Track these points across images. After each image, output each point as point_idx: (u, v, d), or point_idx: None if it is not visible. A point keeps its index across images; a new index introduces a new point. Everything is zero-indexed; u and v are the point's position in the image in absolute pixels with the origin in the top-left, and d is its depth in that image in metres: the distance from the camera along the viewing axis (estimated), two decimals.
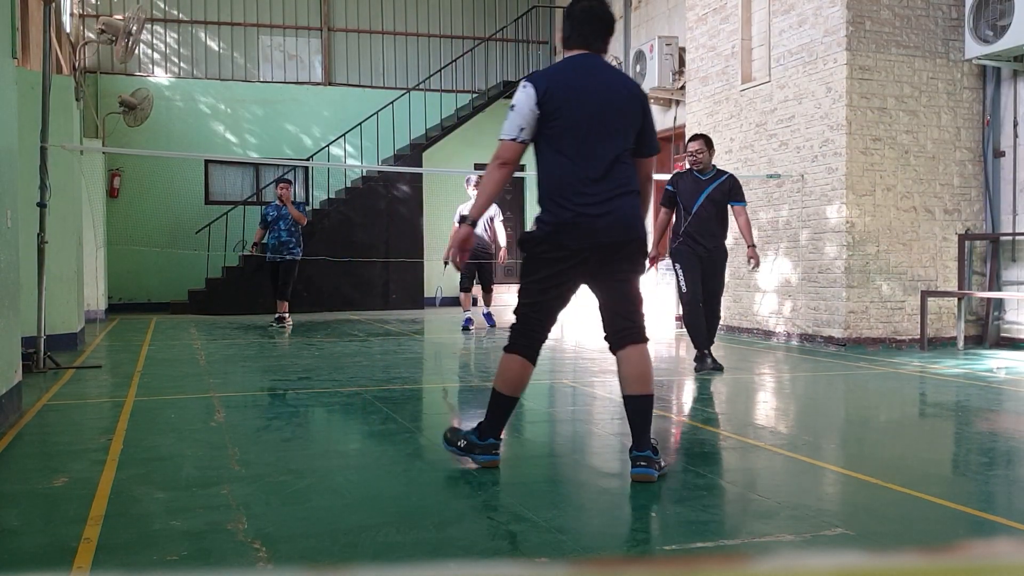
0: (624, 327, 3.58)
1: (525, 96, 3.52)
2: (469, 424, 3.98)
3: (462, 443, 3.72)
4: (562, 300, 3.65)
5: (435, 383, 6.93)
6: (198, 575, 2.45)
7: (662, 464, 3.54)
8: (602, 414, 5.29)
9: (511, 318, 3.81)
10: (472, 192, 10.99)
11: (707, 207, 6.79)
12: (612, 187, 3.51)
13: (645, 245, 3.65)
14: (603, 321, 3.66)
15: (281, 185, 11.36)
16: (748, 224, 7.06)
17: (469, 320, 10.96)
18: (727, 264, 7.05)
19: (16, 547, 2.74)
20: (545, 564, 0.61)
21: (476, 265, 10.87)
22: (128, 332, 10.80)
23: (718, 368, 6.81)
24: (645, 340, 3.62)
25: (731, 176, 7.02)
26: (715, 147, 7.32)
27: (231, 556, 2.63)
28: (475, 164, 16.51)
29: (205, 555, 2.64)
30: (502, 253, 11.24)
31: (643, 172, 3.68)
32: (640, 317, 3.63)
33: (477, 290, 11.76)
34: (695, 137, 7.06)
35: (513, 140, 3.54)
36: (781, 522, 3.00)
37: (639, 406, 3.55)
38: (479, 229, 10.78)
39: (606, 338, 3.65)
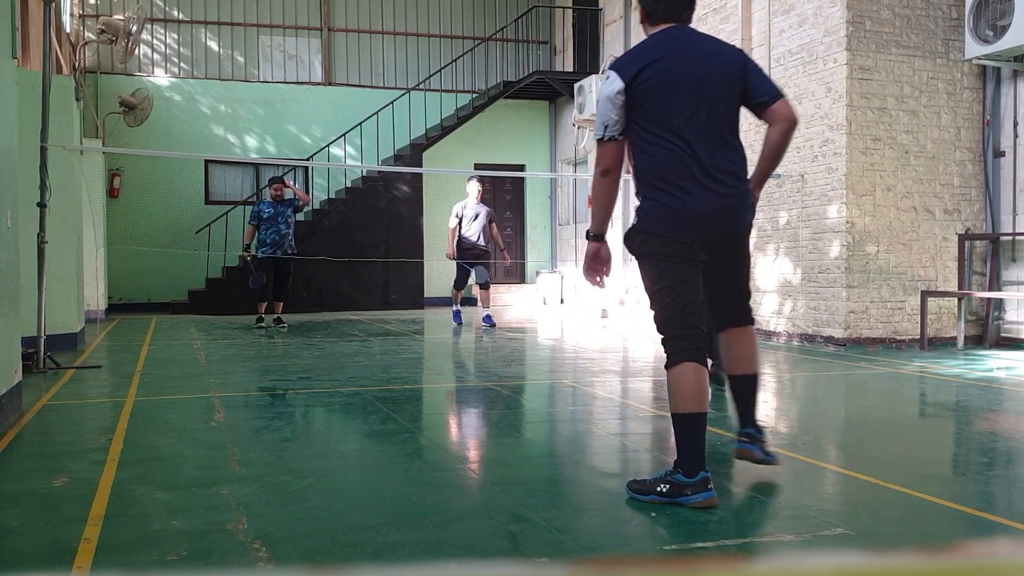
0: (732, 310, 3.50)
1: (609, 89, 3.20)
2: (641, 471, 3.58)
3: (663, 488, 3.14)
4: (698, 288, 3.31)
5: (435, 383, 6.93)
6: (198, 575, 2.45)
7: (768, 449, 3.48)
8: (602, 414, 5.28)
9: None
10: (471, 189, 11.16)
11: None
12: (720, 172, 3.21)
13: (750, 229, 3.43)
14: (711, 306, 3.48)
15: (275, 186, 11.19)
16: None
17: (458, 314, 11.39)
18: None
19: (16, 547, 2.74)
20: (545, 564, 0.61)
21: (472, 266, 11.09)
22: (128, 332, 10.80)
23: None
24: (752, 322, 3.55)
25: None
26: None
27: (231, 556, 2.63)
28: (475, 164, 16.54)
29: (205, 555, 2.64)
30: (505, 256, 11.43)
31: (778, 117, 3.28)
32: (748, 298, 3.54)
33: (474, 290, 11.83)
34: None
35: (601, 139, 3.24)
36: (781, 522, 3.00)
37: (747, 384, 3.52)
38: (474, 232, 10.98)
39: (715, 317, 3.52)
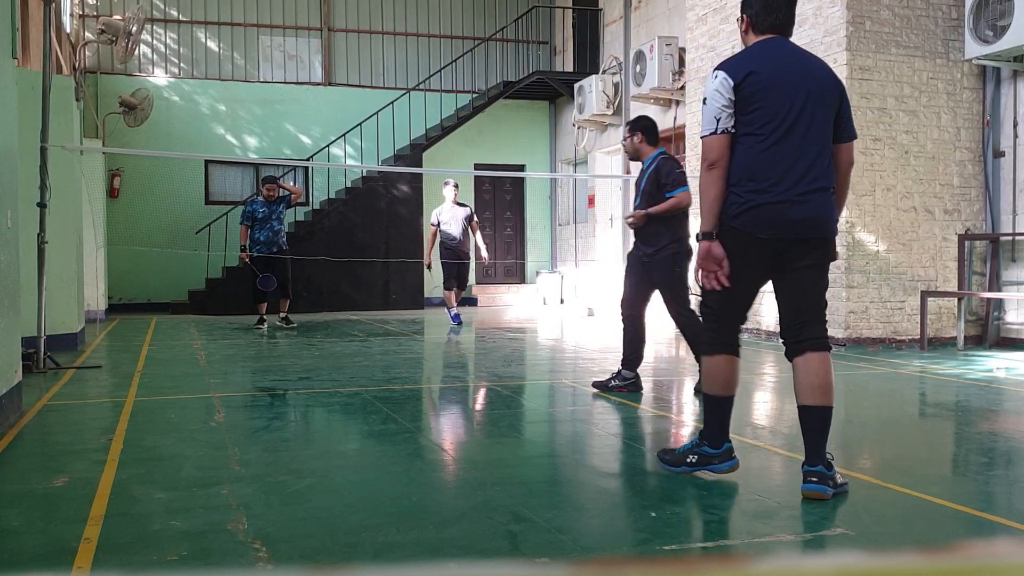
0: (803, 330, 3.37)
1: (719, 85, 3.32)
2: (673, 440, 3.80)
3: (692, 458, 3.51)
4: (752, 292, 3.47)
5: (435, 383, 6.93)
6: (198, 575, 2.45)
7: (838, 480, 3.28)
8: (602, 414, 5.29)
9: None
10: (447, 193, 11.32)
11: (641, 204, 5.73)
12: (812, 180, 3.32)
13: (834, 244, 3.46)
14: (781, 321, 3.47)
15: (269, 187, 11.03)
16: (675, 203, 5.59)
17: (456, 316, 11.43)
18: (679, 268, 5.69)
19: (16, 547, 2.74)
20: (545, 564, 0.61)
21: (455, 266, 11.30)
22: (128, 332, 10.80)
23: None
24: (827, 348, 3.39)
25: (660, 159, 5.75)
26: (657, 131, 6.00)
27: (231, 556, 2.63)
28: (475, 164, 16.54)
29: (205, 555, 2.64)
30: (484, 255, 11.49)
31: (844, 158, 3.50)
32: (822, 320, 3.41)
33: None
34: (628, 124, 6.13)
35: (713, 133, 3.32)
36: (781, 522, 3.00)
37: (817, 417, 3.33)
38: (456, 230, 11.15)
39: (783, 340, 3.46)
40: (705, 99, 3.39)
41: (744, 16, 3.51)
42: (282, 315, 11.26)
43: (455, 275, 11.40)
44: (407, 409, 5.54)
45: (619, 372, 5.89)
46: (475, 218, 11.53)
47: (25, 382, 5.52)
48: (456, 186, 11.48)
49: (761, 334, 9.80)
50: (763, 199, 3.28)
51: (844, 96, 3.49)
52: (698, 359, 5.40)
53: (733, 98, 3.31)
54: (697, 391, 5.55)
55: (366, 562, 2.61)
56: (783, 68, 3.34)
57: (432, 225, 11.36)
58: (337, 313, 14.24)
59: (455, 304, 11.52)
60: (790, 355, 3.42)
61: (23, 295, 5.67)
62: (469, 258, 11.54)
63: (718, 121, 3.32)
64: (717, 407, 3.53)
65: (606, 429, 4.80)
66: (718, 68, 3.39)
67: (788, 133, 3.30)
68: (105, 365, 7.40)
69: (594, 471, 3.91)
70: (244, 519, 2.98)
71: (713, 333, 3.51)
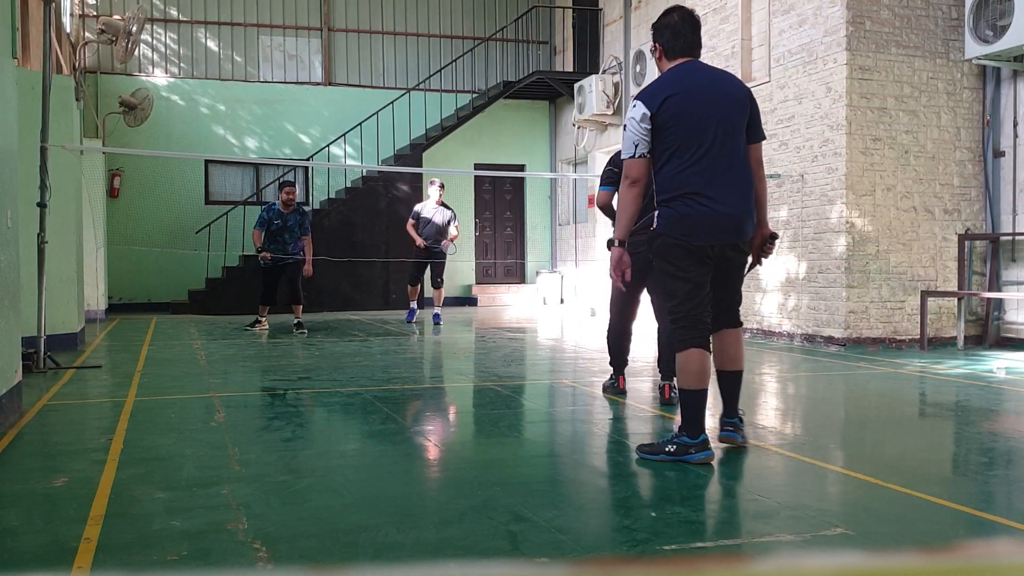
0: (723, 314, 3.95)
1: (636, 114, 3.75)
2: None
3: (671, 448, 3.75)
4: (707, 287, 3.83)
5: (435, 383, 6.93)
6: (198, 575, 2.45)
7: (745, 435, 4.04)
8: (602, 414, 5.29)
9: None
10: (432, 192, 11.57)
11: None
12: (737, 189, 3.76)
13: (750, 243, 3.94)
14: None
15: (288, 189, 10.73)
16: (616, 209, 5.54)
17: (412, 312, 11.85)
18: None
19: (16, 547, 2.74)
20: (545, 564, 0.61)
21: (427, 264, 11.62)
22: (128, 332, 10.80)
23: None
24: (740, 324, 4.06)
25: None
26: None
27: (231, 556, 2.63)
28: (475, 164, 16.54)
29: (205, 555, 2.64)
30: (446, 241, 11.54)
31: (755, 156, 3.90)
32: (737, 304, 4.02)
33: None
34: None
35: (632, 157, 3.77)
36: (781, 522, 3.00)
37: (734, 379, 4.04)
38: (433, 231, 11.40)
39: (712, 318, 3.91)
40: (625, 126, 3.81)
41: (657, 45, 3.96)
42: (296, 320, 10.89)
43: (422, 274, 11.76)
44: (407, 409, 5.54)
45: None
46: (455, 223, 11.61)
47: (25, 382, 5.52)
48: (442, 186, 11.69)
49: (761, 334, 9.80)
50: (690, 212, 3.70)
51: (753, 102, 3.92)
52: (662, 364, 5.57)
53: (649, 126, 3.73)
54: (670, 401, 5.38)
55: (366, 562, 2.61)
56: (695, 89, 3.76)
57: (412, 218, 11.60)
58: (337, 313, 14.24)
59: (415, 300, 11.89)
60: (714, 330, 3.94)
61: (23, 295, 5.67)
62: (444, 257, 11.71)
63: (636, 147, 3.76)
64: (693, 399, 3.76)
65: (606, 429, 4.80)
66: (637, 97, 3.83)
67: (707, 149, 3.71)
68: (105, 365, 7.40)
69: (594, 471, 3.91)
70: (244, 519, 2.98)
71: (684, 329, 3.79)
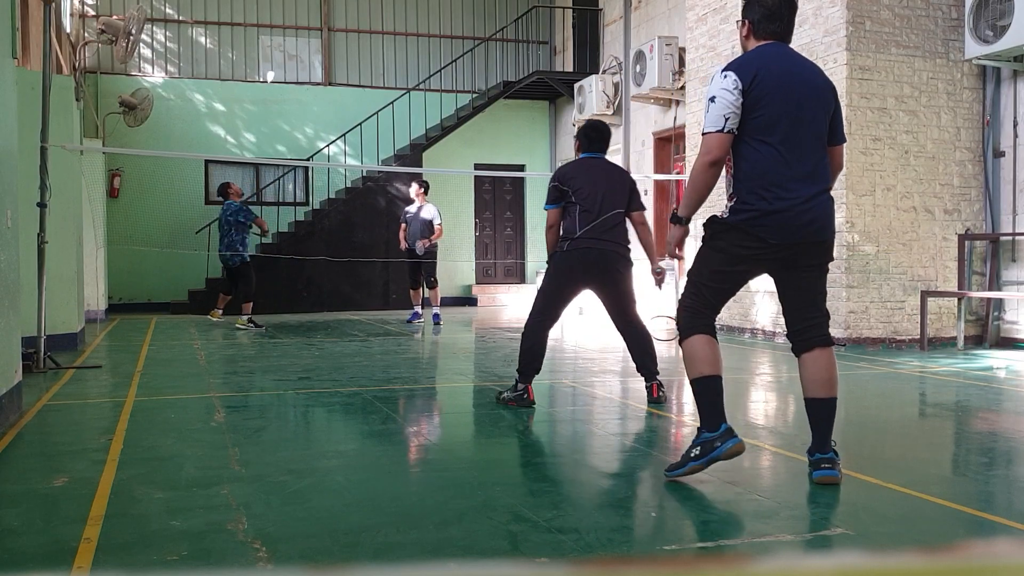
0: (809, 328, 3.52)
1: (729, 84, 3.36)
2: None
3: (695, 452, 3.43)
4: (737, 289, 3.60)
5: (435, 383, 6.93)
6: (198, 575, 2.45)
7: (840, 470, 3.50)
8: (602, 414, 5.28)
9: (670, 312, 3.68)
10: (413, 192, 11.84)
11: None
12: (817, 184, 3.42)
13: (832, 245, 3.58)
14: (787, 320, 3.60)
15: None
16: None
17: (416, 315, 11.95)
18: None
19: (16, 547, 2.74)
20: (545, 564, 0.61)
21: (419, 265, 11.77)
22: (128, 332, 10.80)
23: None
24: (831, 344, 3.55)
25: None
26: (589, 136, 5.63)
27: (231, 556, 2.63)
28: (475, 164, 16.54)
29: (205, 555, 2.64)
30: (428, 241, 11.65)
31: (836, 161, 3.59)
32: (824, 318, 3.55)
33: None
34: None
35: (719, 131, 3.36)
36: (781, 522, 3.00)
37: (824, 409, 3.53)
38: (413, 232, 11.58)
39: (789, 337, 3.59)
40: (714, 97, 3.38)
41: (746, 21, 3.58)
42: (248, 317, 11.50)
43: (418, 276, 11.89)
44: (407, 409, 5.54)
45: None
46: (438, 221, 11.74)
47: (25, 382, 5.52)
48: (421, 184, 11.92)
49: (759, 334, 9.80)
50: (775, 206, 3.35)
51: (838, 101, 3.59)
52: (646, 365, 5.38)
53: (742, 100, 3.35)
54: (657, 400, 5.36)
55: (366, 562, 2.61)
56: (785, 73, 3.41)
57: (402, 223, 11.89)
58: (337, 313, 14.24)
59: (418, 303, 12.00)
60: (797, 351, 3.53)
61: (23, 295, 5.67)
62: (433, 256, 11.87)
63: (726, 120, 3.35)
64: (706, 388, 3.46)
65: (606, 429, 4.80)
66: (727, 69, 3.42)
67: (794, 138, 3.37)
68: (105, 365, 7.40)
69: (594, 471, 3.90)
70: (244, 519, 2.98)
71: (692, 316, 3.51)
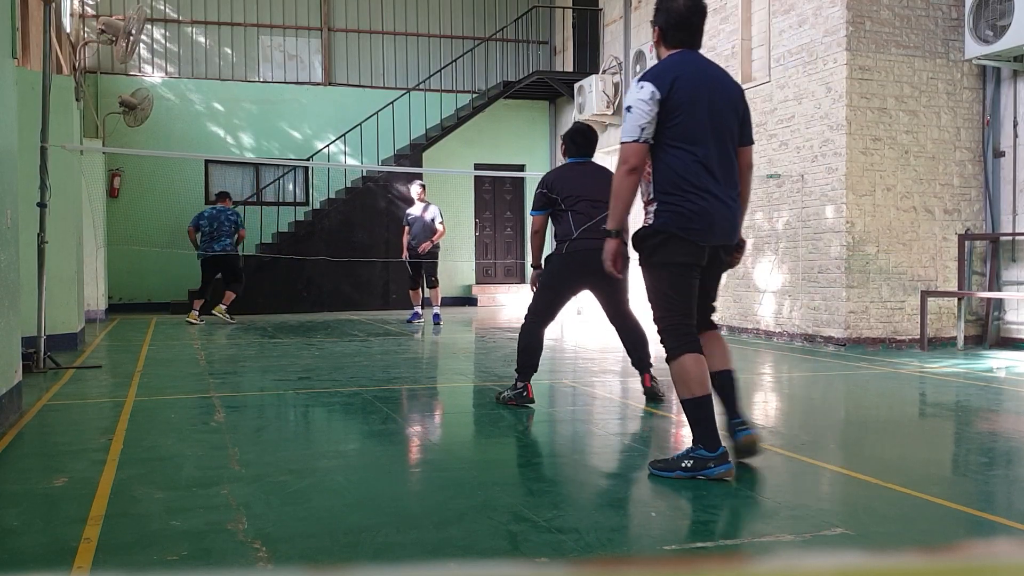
0: (706, 317, 3.78)
1: (644, 95, 3.45)
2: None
3: (687, 463, 3.47)
4: (695, 293, 3.62)
5: (435, 383, 6.93)
6: (198, 575, 2.45)
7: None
8: (602, 414, 5.28)
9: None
10: (414, 193, 11.99)
11: None
12: (731, 187, 3.57)
13: (731, 259, 3.77)
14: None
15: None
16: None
17: (416, 315, 12.05)
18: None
19: (16, 547, 2.74)
20: (545, 564, 0.61)
21: (419, 264, 11.87)
22: (128, 332, 10.80)
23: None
24: (717, 327, 3.88)
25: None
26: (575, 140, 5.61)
27: (231, 556, 2.63)
28: (475, 164, 16.54)
29: (205, 555, 2.64)
30: (432, 241, 11.78)
31: (745, 161, 3.70)
32: (714, 310, 3.86)
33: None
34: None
35: (635, 141, 3.46)
36: (781, 522, 3.00)
37: (732, 378, 3.76)
38: (416, 233, 11.72)
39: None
40: (630, 107, 3.49)
41: (657, 27, 3.67)
42: (226, 307, 12.32)
43: (419, 276, 12.01)
44: (407, 409, 5.54)
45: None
46: (439, 221, 11.86)
47: (25, 382, 5.52)
48: (422, 185, 12.10)
49: (761, 334, 9.80)
50: (695, 207, 3.47)
51: (746, 103, 3.72)
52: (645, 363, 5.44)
53: (658, 110, 3.45)
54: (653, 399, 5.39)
55: (366, 562, 2.61)
56: (700, 81, 3.53)
57: (405, 224, 12.02)
58: (337, 313, 14.24)
59: (418, 303, 12.12)
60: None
61: (23, 295, 5.67)
62: (434, 256, 11.96)
63: (642, 130, 3.45)
64: (700, 408, 3.49)
65: (606, 429, 4.80)
66: (643, 79, 3.51)
67: (710, 143, 3.50)
68: (105, 365, 7.40)
69: (594, 471, 3.90)
70: (244, 519, 2.98)
71: (675, 334, 3.55)
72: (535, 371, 5.37)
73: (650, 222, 3.53)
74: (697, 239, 3.48)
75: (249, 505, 3.16)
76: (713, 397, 3.58)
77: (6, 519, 3.02)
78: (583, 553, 2.69)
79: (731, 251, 3.71)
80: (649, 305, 3.63)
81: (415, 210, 11.93)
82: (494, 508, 3.14)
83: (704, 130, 3.47)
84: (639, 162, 3.48)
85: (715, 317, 3.91)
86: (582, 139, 5.51)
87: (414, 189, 12.08)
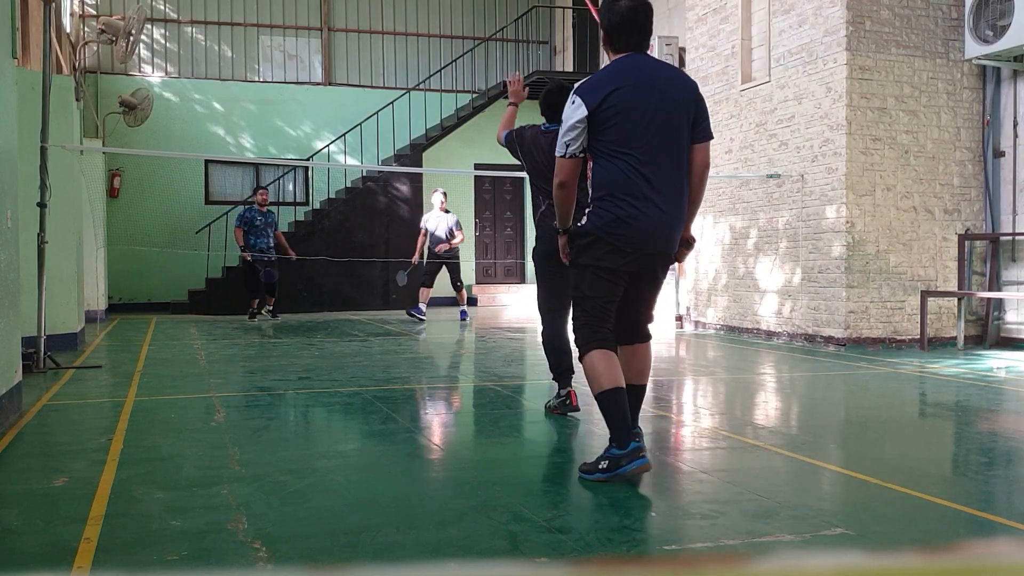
0: (636, 328, 3.74)
1: (571, 111, 3.50)
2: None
3: (604, 463, 3.45)
4: (617, 295, 3.62)
5: (435, 383, 6.93)
6: (198, 575, 2.45)
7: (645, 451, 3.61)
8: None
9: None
10: (435, 200, 12.40)
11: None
12: (670, 195, 3.51)
13: (678, 254, 3.71)
14: (616, 316, 3.68)
15: (263, 192, 12.77)
16: None
17: (420, 310, 12.35)
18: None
19: (16, 547, 2.74)
20: (545, 564, 0.61)
21: (439, 265, 12.27)
22: (128, 332, 10.80)
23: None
24: (649, 338, 3.80)
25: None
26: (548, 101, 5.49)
27: (231, 556, 2.63)
28: (475, 164, 16.53)
29: (205, 555, 2.64)
30: (451, 244, 12.24)
31: (699, 158, 3.60)
32: (651, 319, 3.80)
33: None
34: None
35: (563, 156, 3.55)
36: (781, 522, 3.00)
37: (635, 393, 3.71)
38: (443, 235, 12.18)
39: (617, 331, 3.68)
40: (563, 122, 3.55)
41: (604, 32, 3.66)
42: (269, 308, 12.81)
43: (432, 275, 12.35)
44: (407, 409, 5.54)
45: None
46: (459, 226, 12.42)
47: (25, 382, 5.52)
48: (445, 194, 12.43)
49: (761, 334, 9.80)
50: (627, 212, 3.46)
51: (699, 100, 3.63)
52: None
53: (586, 124, 3.48)
54: (547, 409, 5.12)
55: (366, 562, 2.61)
56: (638, 87, 3.48)
57: (422, 228, 12.38)
58: (337, 313, 14.24)
59: (425, 301, 12.44)
60: (620, 343, 3.70)
61: (23, 295, 5.67)
62: (456, 258, 12.37)
63: (568, 146, 3.52)
64: (610, 402, 3.48)
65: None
66: (575, 92, 3.55)
67: (648, 151, 3.47)
68: (105, 365, 7.40)
69: None
70: (244, 519, 2.98)
71: (585, 331, 3.58)
72: (571, 372, 5.02)
73: (580, 223, 3.59)
74: (623, 244, 3.48)
75: (249, 505, 3.16)
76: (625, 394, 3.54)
77: (6, 519, 3.02)
78: (583, 553, 2.69)
79: (669, 257, 3.64)
80: (574, 299, 3.70)
81: (435, 217, 12.22)
82: (494, 508, 3.14)
83: (641, 137, 3.45)
84: (567, 176, 3.55)
85: (652, 327, 3.82)
86: (558, 99, 5.01)
87: (436, 197, 12.31)
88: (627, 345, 3.71)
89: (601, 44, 3.74)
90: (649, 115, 3.46)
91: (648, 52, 3.68)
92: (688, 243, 3.71)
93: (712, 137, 3.70)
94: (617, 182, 3.47)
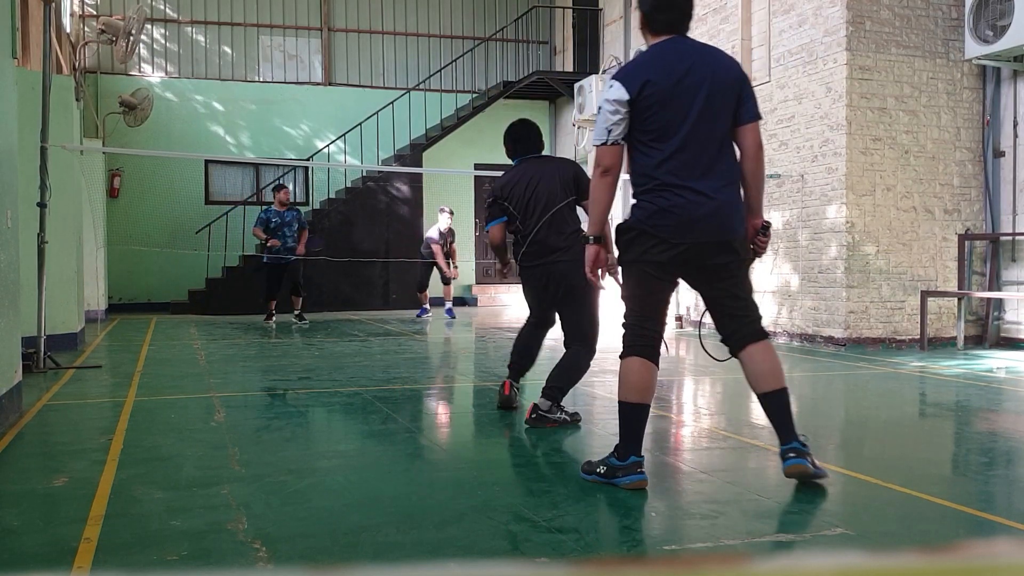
0: (740, 329, 3.47)
1: (612, 95, 3.31)
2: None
3: (601, 469, 3.42)
4: (665, 301, 3.48)
5: (435, 383, 6.93)
6: (198, 575, 2.45)
7: (817, 463, 3.36)
8: (602, 414, 5.28)
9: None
10: (443, 219, 12.89)
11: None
12: (714, 181, 3.32)
13: (746, 240, 3.50)
14: (715, 323, 3.53)
15: (286, 190, 12.28)
16: None
17: (425, 310, 13.26)
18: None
19: (16, 547, 2.74)
20: (545, 564, 0.61)
21: (430, 268, 12.99)
22: (128, 332, 10.80)
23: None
24: (766, 336, 3.50)
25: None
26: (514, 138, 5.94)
27: (231, 556, 2.63)
28: (475, 164, 16.52)
29: (205, 555, 2.64)
30: (453, 270, 13.09)
31: (749, 140, 3.40)
32: (754, 312, 3.50)
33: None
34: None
35: (604, 143, 3.35)
36: (781, 522, 3.00)
37: (776, 401, 3.42)
38: (436, 236, 12.83)
39: (723, 341, 3.52)
40: (600, 107, 3.38)
41: (640, 12, 3.46)
42: (296, 312, 12.30)
43: (426, 277, 13.27)
44: (407, 409, 5.54)
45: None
46: (452, 235, 13.20)
47: (25, 382, 5.52)
48: (451, 213, 13.17)
49: None
50: (669, 205, 3.30)
51: (744, 81, 3.44)
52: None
53: (627, 110, 3.30)
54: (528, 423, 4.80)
55: (366, 562, 2.61)
56: (678, 72, 3.30)
57: (437, 243, 12.88)
58: (337, 313, 14.23)
59: (426, 302, 13.35)
60: (734, 352, 3.49)
61: (23, 295, 5.67)
62: (433, 258, 13.07)
63: (609, 132, 3.33)
64: (630, 414, 3.39)
65: (606, 429, 4.80)
66: (615, 77, 3.37)
67: (689, 140, 3.30)
68: (105, 365, 7.40)
69: None
70: (244, 519, 2.98)
71: (631, 335, 3.44)
72: (521, 374, 5.21)
73: (629, 218, 3.43)
74: (668, 236, 3.30)
75: (249, 505, 3.16)
76: (648, 409, 3.44)
77: (6, 519, 3.02)
78: (583, 553, 2.69)
79: (729, 246, 3.39)
80: (622, 299, 3.52)
81: (444, 228, 12.91)
82: (494, 508, 3.14)
83: (681, 125, 3.28)
84: (611, 163, 3.36)
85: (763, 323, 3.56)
86: (524, 132, 5.39)
87: (444, 217, 12.88)
88: (742, 352, 3.45)
89: (639, 27, 3.50)
90: (690, 103, 3.28)
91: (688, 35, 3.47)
92: (763, 229, 3.53)
93: (760, 117, 3.48)
94: (654, 173, 3.32)
